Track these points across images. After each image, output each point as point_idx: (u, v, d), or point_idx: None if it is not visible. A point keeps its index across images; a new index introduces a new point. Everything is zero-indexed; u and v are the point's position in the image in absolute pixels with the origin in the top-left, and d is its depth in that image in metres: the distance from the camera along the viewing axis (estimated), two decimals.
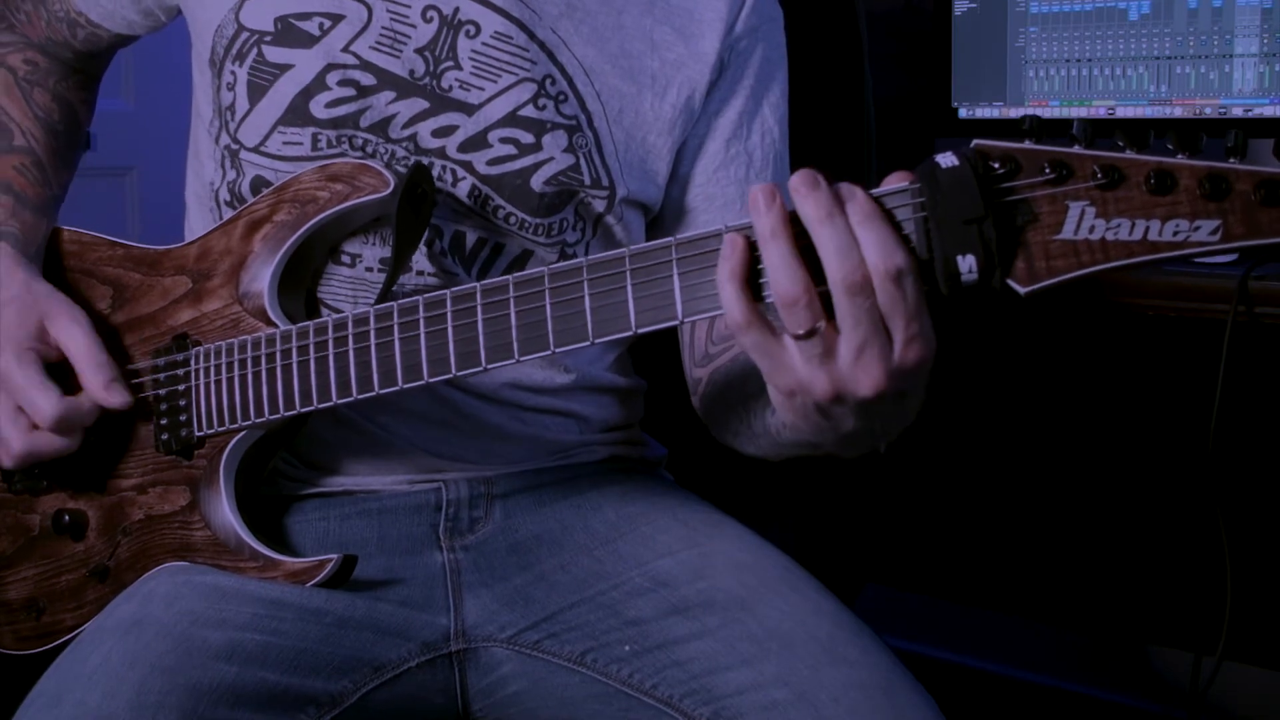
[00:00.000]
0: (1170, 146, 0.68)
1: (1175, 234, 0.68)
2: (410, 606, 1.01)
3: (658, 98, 1.05)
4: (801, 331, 0.72)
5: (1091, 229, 0.69)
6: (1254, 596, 1.78)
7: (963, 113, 1.69)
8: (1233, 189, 0.66)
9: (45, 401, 0.97)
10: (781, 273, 0.72)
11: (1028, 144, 0.70)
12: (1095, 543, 1.99)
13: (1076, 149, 0.70)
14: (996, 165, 0.70)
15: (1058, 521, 2.02)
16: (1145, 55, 1.56)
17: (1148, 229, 0.68)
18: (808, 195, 0.72)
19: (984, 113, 1.68)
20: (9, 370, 0.98)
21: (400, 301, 0.90)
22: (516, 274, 0.85)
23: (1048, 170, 0.70)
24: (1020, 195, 0.70)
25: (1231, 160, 0.67)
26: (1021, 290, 0.71)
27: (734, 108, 1.08)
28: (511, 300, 0.85)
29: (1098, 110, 1.60)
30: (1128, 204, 0.68)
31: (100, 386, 0.98)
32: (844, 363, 0.72)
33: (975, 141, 0.71)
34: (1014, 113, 1.66)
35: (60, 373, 1.00)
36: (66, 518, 1.06)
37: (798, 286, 0.72)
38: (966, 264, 0.70)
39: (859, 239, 0.71)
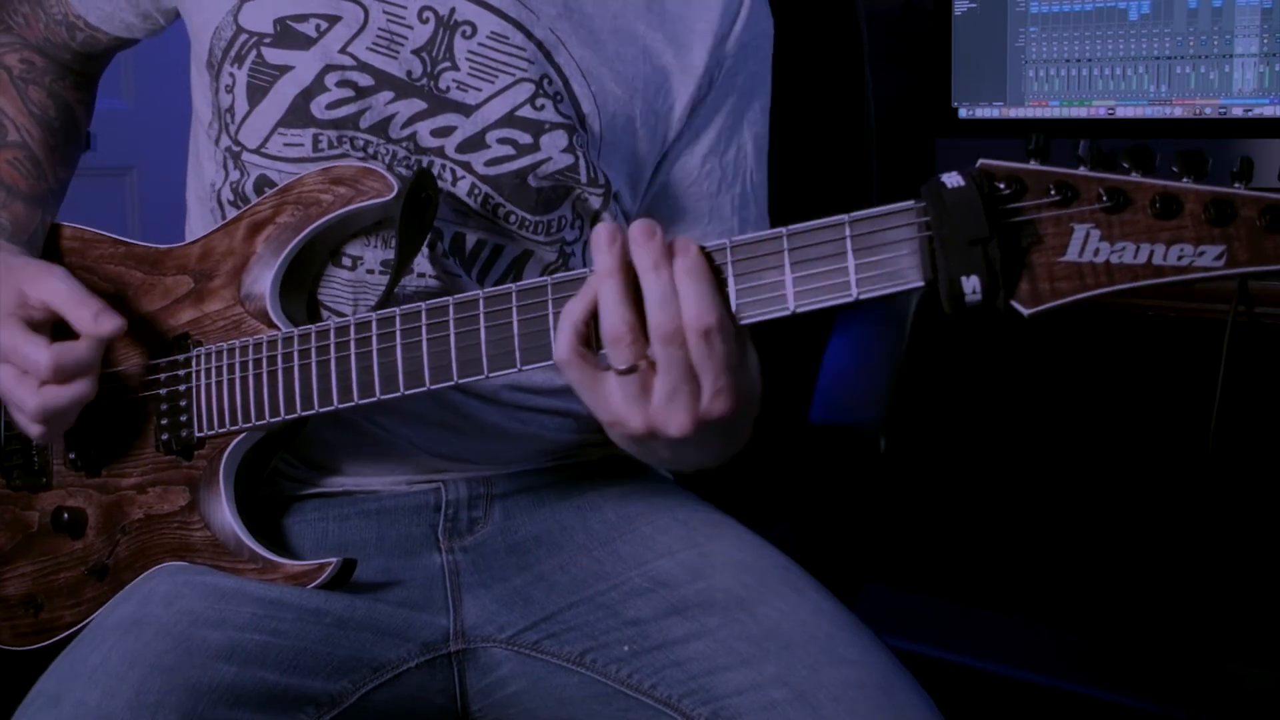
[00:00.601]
0: (1175, 170, 0.68)
1: (1180, 258, 0.68)
2: (409, 607, 1.01)
3: (646, 105, 1.04)
4: (623, 367, 0.77)
5: (1096, 251, 0.69)
6: (1254, 596, 1.78)
7: (963, 113, 1.70)
8: (1238, 214, 0.67)
9: (37, 352, 0.95)
10: (610, 311, 0.77)
11: (1033, 165, 0.70)
12: (1095, 543, 1.99)
13: (1082, 170, 0.69)
14: (1002, 186, 0.70)
15: (1058, 521, 2.02)
16: (1145, 55, 1.56)
17: (1152, 253, 0.68)
18: (643, 245, 0.77)
19: (984, 113, 1.68)
20: None
21: (402, 307, 0.90)
22: (520, 282, 0.85)
23: (1053, 192, 0.69)
24: (1025, 216, 0.70)
25: (1237, 185, 0.67)
26: (1025, 312, 0.71)
27: (715, 125, 1.08)
28: (514, 309, 0.85)
29: (1098, 110, 1.60)
30: (1133, 227, 0.68)
31: (89, 319, 0.97)
32: (657, 403, 0.78)
33: (981, 161, 0.71)
34: (1014, 113, 1.66)
35: (62, 333, 0.99)
36: (65, 515, 1.06)
37: (622, 325, 0.77)
38: (970, 285, 0.70)
39: (679, 291, 0.76)
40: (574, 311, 0.79)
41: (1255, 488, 1.80)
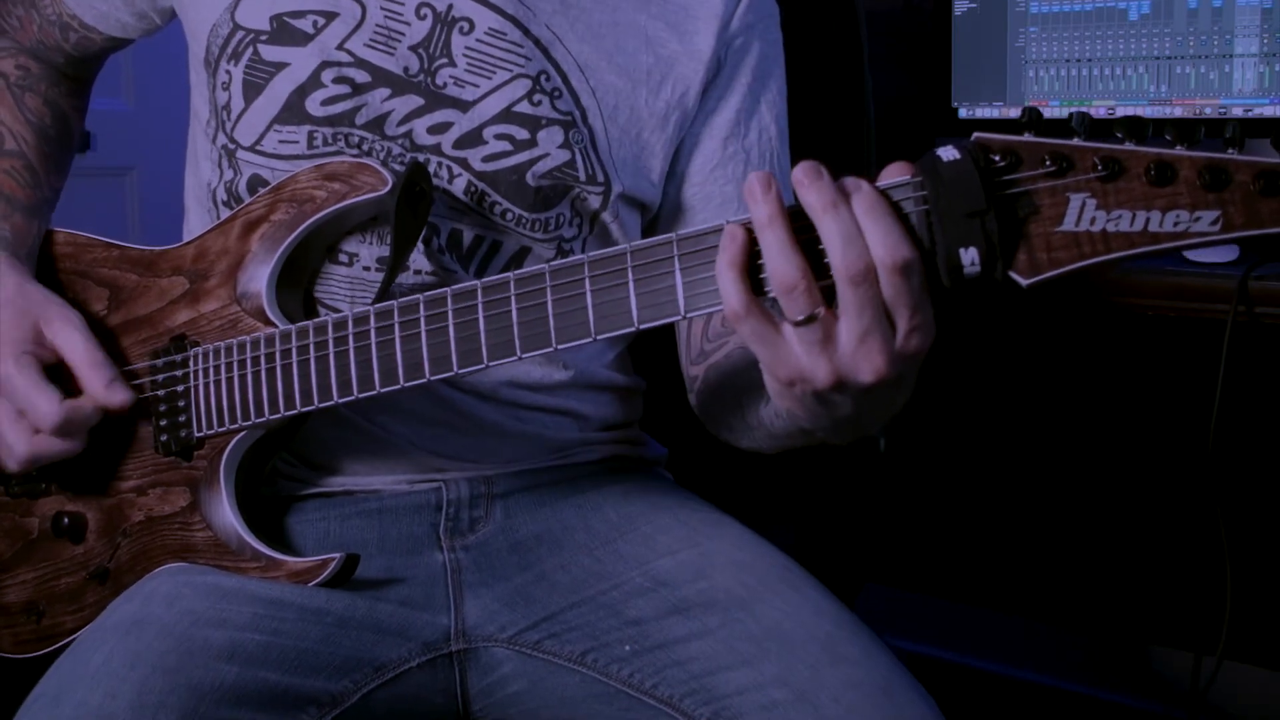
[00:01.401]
0: (1169, 138, 0.68)
1: (1176, 224, 0.68)
2: (411, 606, 1.01)
3: (652, 94, 1.05)
4: (800, 318, 0.73)
5: (1093, 220, 0.69)
6: (1254, 596, 1.78)
7: (963, 113, 1.70)
8: (1232, 180, 0.67)
9: (47, 405, 0.96)
10: (778, 258, 0.72)
11: (1028, 137, 0.71)
12: (1095, 543, 1.99)
13: (1076, 141, 0.70)
14: (997, 158, 0.70)
15: (1058, 521, 2.02)
16: (1145, 55, 1.56)
17: (1148, 220, 0.68)
18: (810, 185, 0.72)
19: (984, 113, 1.68)
20: (8, 375, 0.98)
21: (400, 300, 0.90)
22: (517, 271, 0.85)
23: (1048, 163, 0.70)
24: (1021, 188, 0.70)
25: (1230, 151, 0.67)
26: (1024, 282, 0.71)
27: (731, 106, 1.08)
28: (513, 297, 0.85)
29: (1098, 110, 1.60)
30: (1128, 195, 0.69)
31: (101, 387, 0.98)
32: (846, 350, 0.73)
33: (976, 134, 0.72)
34: (1014, 113, 1.66)
35: (59, 375, 1.00)
36: (65, 520, 1.05)
37: (795, 272, 0.72)
38: (969, 256, 0.70)
39: (864, 230, 0.71)
40: (734, 259, 0.74)
41: (1255, 488, 1.80)
